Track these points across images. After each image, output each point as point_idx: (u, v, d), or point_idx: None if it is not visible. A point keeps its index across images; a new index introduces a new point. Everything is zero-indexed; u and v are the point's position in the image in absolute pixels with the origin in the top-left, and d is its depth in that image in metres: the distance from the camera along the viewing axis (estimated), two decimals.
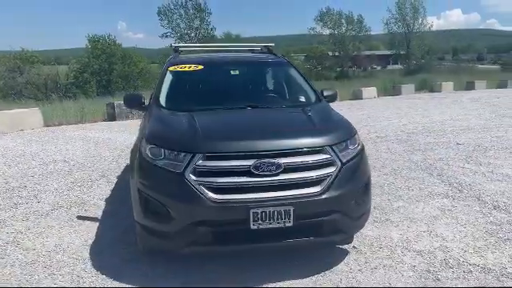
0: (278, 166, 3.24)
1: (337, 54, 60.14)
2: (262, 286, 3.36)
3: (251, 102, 4.30)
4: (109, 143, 9.47)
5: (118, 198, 5.56)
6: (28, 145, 9.29)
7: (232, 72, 4.87)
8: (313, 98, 4.58)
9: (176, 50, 5.40)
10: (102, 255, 3.94)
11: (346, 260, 3.76)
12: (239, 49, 6.07)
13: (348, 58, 59.31)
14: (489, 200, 5.19)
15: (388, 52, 70.74)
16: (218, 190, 3.19)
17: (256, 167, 3.21)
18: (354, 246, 4.00)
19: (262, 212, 3.17)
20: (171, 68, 4.72)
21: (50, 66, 38.24)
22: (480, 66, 67.45)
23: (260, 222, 3.18)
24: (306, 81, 4.85)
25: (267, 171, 3.22)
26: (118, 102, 14.20)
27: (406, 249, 3.96)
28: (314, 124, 3.72)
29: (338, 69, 59.32)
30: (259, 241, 3.28)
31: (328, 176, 3.34)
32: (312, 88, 4.74)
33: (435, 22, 63.28)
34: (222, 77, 4.85)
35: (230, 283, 3.40)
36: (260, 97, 4.77)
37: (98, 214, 5.06)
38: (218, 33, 59.09)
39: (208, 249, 3.34)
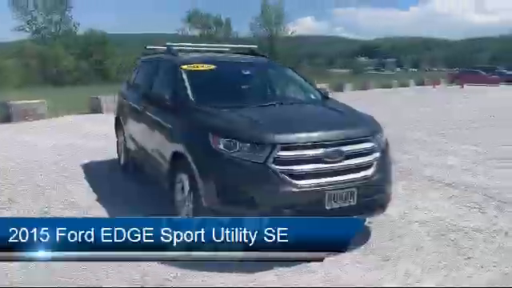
0: (342, 153, 3.76)
1: None
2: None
3: (275, 100, 4.71)
4: (34, 146, 8.72)
5: (108, 200, 5.36)
6: None
7: (243, 72, 5.16)
8: (319, 95, 5.14)
9: (170, 48, 5.46)
10: None
11: (373, 233, 4.41)
12: (227, 50, 6.31)
13: None
14: (438, 180, 6.36)
15: None
16: (298, 176, 3.60)
17: (326, 155, 3.69)
18: (369, 222, 4.68)
19: (334, 194, 3.67)
20: (184, 67, 4.82)
21: None
22: (333, 70, 75.14)
23: (333, 202, 3.67)
24: (306, 80, 5.39)
25: (335, 158, 3.72)
26: (13, 102, 12.98)
27: (411, 221, 4.77)
28: (354, 117, 4.31)
29: None
30: None
31: (376, 161, 3.97)
32: (314, 87, 5.30)
33: (292, 28, 68.62)
34: (237, 76, 5.10)
35: None
36: (278, 94, 5.19)
37: (103, 214, 4.91)
38: (82, 29, 55.61)
39: None
